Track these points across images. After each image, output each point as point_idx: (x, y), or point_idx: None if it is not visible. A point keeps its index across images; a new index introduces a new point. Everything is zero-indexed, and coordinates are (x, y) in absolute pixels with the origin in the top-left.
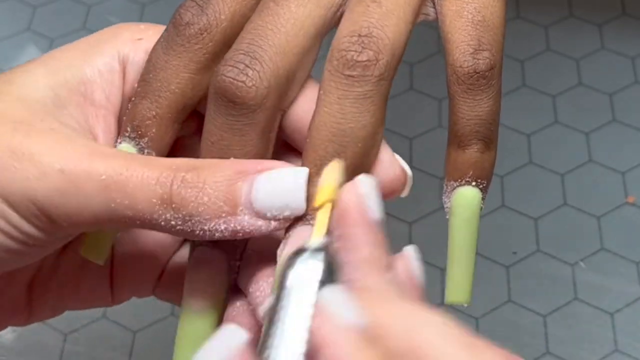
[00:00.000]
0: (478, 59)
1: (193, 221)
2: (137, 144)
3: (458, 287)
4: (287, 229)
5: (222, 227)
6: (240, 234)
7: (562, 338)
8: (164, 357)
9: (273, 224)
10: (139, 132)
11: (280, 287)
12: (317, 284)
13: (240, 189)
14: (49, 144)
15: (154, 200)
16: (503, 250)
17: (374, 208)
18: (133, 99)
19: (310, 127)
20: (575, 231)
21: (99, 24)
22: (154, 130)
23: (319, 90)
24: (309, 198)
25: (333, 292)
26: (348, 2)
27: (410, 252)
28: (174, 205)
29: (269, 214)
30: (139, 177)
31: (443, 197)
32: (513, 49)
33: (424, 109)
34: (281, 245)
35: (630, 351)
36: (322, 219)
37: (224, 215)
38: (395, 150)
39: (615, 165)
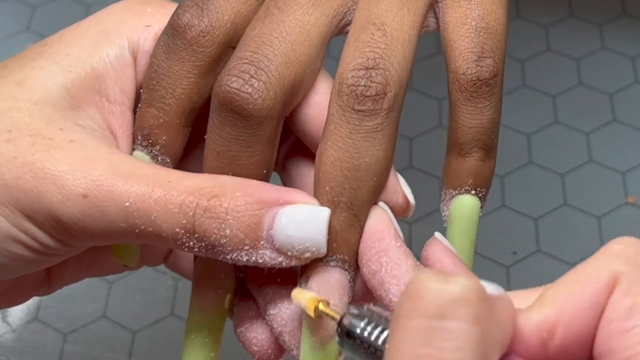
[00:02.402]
0: (481, 67)
1: (216, 251)
2: (150, 152)
3: None
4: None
5: (245, 259)
6: (263, 266)
7: None
8: (163, 357)
9: (294, 261)
10: (150, 141)
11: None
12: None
13: (262, 224)
14: (69, 163)
15: (177, 229)
16: (503, 250)
17: (399, 230)
18: (139, 106)
19: (323, 162)
20: (575, 231)
21: None
22: (164, 137)
23: (327, 123)
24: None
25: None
26: (352, 28)
27: (438, 237)
28: (196, 235)
29: (289, 253)
30: (161, 204)
31: (441, 205)
32: (513, 49)
33: (424, 109)
34: (299, 285)
35: None
36: (327, 312)
37: (246, 248)
38: (396, 150)
39: (615, 165)
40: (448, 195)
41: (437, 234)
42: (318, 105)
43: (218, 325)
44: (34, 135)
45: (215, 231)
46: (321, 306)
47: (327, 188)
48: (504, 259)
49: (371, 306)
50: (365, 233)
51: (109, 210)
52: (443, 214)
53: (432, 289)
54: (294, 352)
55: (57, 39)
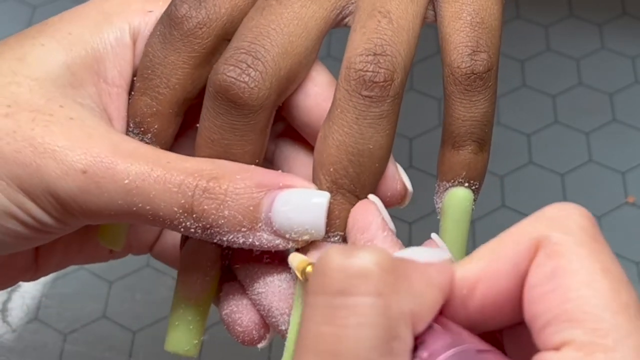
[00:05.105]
0: (476, 60)
1: (212, 231)
2: (142, 139)
3: None
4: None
5: (241, 241)
6: (258, 248)
7: None
8: (163, 357)
9: (291, 244)
10: (142, 129)
11: None
12: None
13: (261, 206)
14: (69, 139)
15: (175, 209)
16: None
17: (389, 220)
18: (133, 93)
19: (328, 145)
20: None
21: None
22: (156, 126)
23: (333, 107)
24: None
25: None
26: (357, 15)
27: (433, 238)
28: (194, 215)
29: (287, 235)
30: (160, 183)
31: (435, 198)
32: (513, 49)
33: (424, 109)
34: (293, 256)
35: None
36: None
37: (243, 230)
38: (396, 150)
39: (615, 165)
40: (442, 188)
41: (434, 235)
42: (316, 96)
43: (202, 313)
44: (34, 111)
45: (214, 212)
46: (309, 268)
47: (331, 169)
48: None
49: None
50: (352, 226)
51: (108, 187)
52: (437, 206)
53: (335, 264)
54: (282, 328)
55: (58, 19)
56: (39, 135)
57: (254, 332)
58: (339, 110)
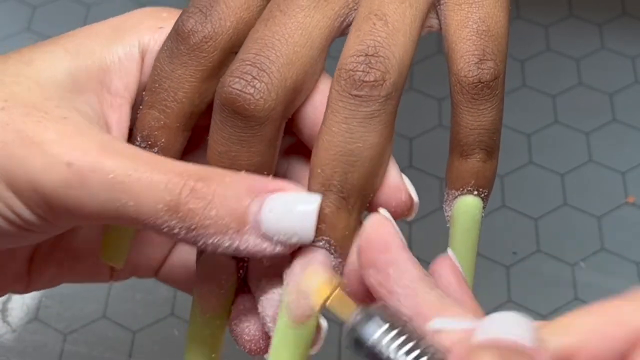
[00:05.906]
0: (483, 69)
1: (197, 233)
2: None
3: None
4: (293, 252)
5: (226, 244)
6: (244, 253)
7: None
8: (163, 357)
9: (278, 248)
10: (149, 142)
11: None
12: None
13: (249, 208)
14: (59, 134)
15: (160, 206)
16: (503, 250)
17: (401, 236)
18: (141, 107)
19: (318, 146)
20: (575, 231)
21: None
22: (163, 140)
23: (326, 109)
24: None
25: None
26: (354, 19)
27: (450, 254)
28: (180, 214)
29: (275, 238)
30: (147, 179)
31: (444, 206)
32: (513, 49)
33: (424, 109)
34: (289, 269)
35: None
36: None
37: (229, 232)
38: (396, 150)
39: (615, 165)
40: (451, 196)
41: (449, 251)
42: (323, 106)
43: (219, 327)
44: (29, 107)
45: (200, 211)
46: (337, 292)
47: (318, 171)
48: (504, 259)
49: (389, 307)
50: (367, 244)
51: (92, 181)
52: (446, 214)
53: None
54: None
55: (73, 32)
56: (30, 128)
57: (260, 341)
58: (329, 110)
